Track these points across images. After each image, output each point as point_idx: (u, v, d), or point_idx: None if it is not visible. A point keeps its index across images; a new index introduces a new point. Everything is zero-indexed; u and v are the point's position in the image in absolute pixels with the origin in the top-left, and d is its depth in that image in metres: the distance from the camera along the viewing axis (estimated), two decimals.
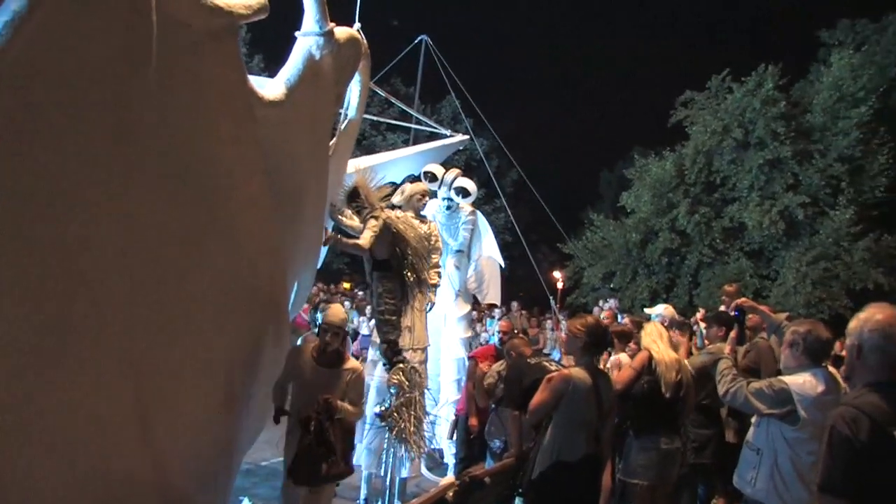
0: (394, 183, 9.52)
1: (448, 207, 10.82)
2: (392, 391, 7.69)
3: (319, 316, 8.96)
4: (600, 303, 23.83)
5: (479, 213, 11.41)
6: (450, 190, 10.75)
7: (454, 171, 10.86)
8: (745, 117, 30.33)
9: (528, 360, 7.14)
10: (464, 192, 10.79)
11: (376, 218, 7.54)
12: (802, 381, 5.27)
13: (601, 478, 6.21)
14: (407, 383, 7.61)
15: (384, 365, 8.14)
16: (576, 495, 5.98)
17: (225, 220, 5.10)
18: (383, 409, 7.67)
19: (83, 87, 3.98)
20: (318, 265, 7.41)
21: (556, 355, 13.64)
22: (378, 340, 8.17)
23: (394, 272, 7.90)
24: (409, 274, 8.02)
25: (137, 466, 4.43)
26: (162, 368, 4.65)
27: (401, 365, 7.70)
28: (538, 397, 6.11)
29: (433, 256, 8.87)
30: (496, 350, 9.56)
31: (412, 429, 7.57)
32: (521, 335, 10.89)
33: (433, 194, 10.66)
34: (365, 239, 7.38)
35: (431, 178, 10.61)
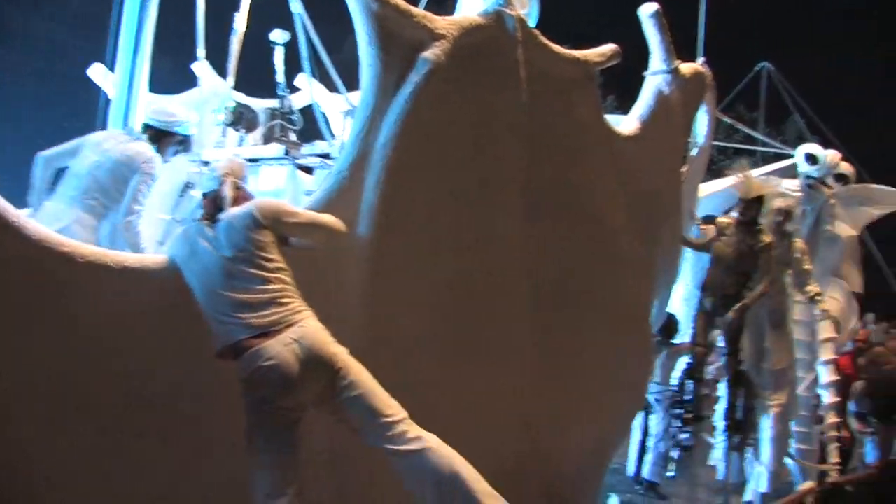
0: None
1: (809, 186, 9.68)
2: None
3: None
4: None
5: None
6: (829, 174, 9.71)
7: (836, 155, 9.79)
8: None
9: None
10: (843, 179, 9.82)
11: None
12: None
13: None
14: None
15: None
16: None
17: (595, 247, 5.30)
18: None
19: (462, 136, 4.37)
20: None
21: None
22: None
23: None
24: None
25: (522, 452, 4.77)
26: (550, 382, 4.97)
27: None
28: None
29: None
30: (851, 358, 8.78)
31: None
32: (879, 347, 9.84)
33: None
34: None
35: (812, 159, 9.64)
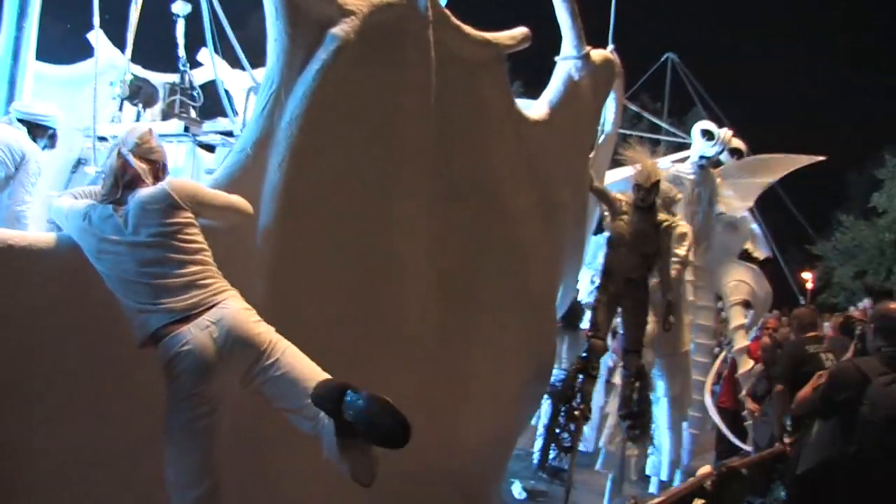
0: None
1: (701, 167, 9.83)
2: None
3: None
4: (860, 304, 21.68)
5: None
6: (724, 150, 9.85)
7: (729, 132, 9.92)
8: None
9: (808, 348, 6.52)
10: (738, 153, 10.00)
11: None
12: None
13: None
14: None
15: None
16: (846, 496, 5.35)
17: (500, 232, 5.26)
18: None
19: (370, 117, 4.26)
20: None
21: None
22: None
23: None
24: None
25: (426, 435, 4.69)
26: (456, 365, 4.94)
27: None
28: (806, 391, 5.59)
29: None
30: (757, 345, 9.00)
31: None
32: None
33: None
34: None
35: (708, 135, 9.77)
